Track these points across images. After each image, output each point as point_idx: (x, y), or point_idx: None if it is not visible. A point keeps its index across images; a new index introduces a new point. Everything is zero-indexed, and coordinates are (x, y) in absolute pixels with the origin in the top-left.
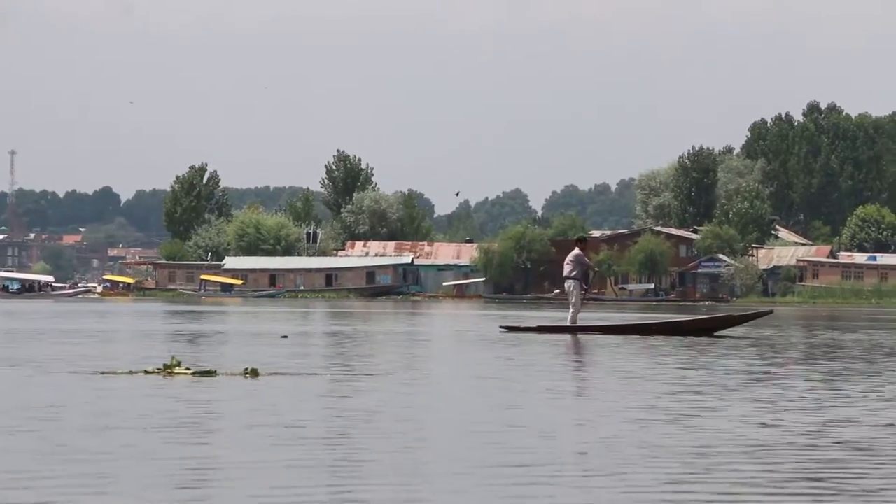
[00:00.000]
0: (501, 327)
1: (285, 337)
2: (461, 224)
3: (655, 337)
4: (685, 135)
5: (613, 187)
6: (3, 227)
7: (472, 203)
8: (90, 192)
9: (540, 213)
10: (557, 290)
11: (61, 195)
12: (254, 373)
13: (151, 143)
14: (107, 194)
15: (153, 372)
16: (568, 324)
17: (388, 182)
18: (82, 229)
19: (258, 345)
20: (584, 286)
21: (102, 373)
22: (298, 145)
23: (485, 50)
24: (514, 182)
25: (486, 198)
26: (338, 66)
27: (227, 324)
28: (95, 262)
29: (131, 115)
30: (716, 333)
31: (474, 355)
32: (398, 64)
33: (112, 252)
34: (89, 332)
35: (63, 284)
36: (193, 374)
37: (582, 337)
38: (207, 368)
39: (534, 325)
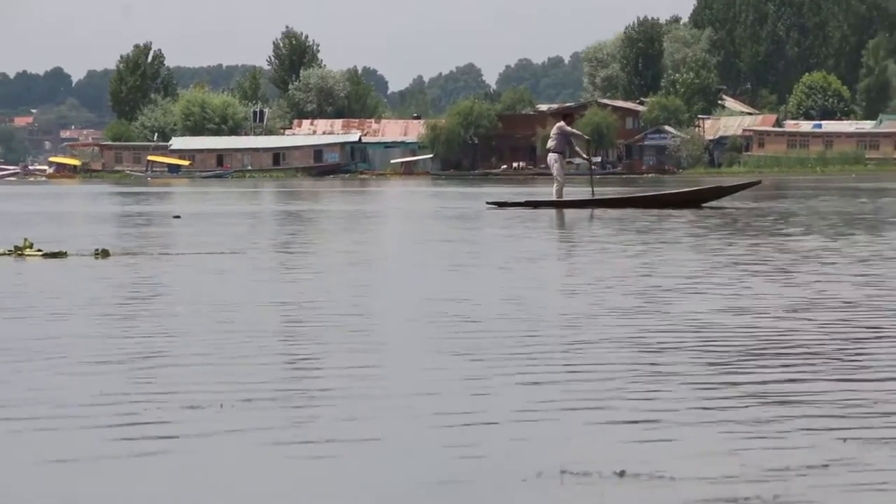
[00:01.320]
0: (489, 204)
1: (178, 217)
2: (413, 100)
3: (645, 210)
4: (635, 6)
5: (567, 60)
6: None
7: (426, 79)
8: (41, 72)
9: (494, 87)
10: (505, 166)
11: (11, 76)
12: (104, 253)
13: (102, 23)
14: (58, 75)
15: (4, 253)
16: (553, 198)
17: (342, 59)
18: (34, 110)
19: (148, 226)
20: (571, 159)
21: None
22: (251, 22)
23: None
24: (468, 57)
25: (440, 73)
26: None
27: (149, 205)
28: (48, 144)
29: None
30: (704, 205)
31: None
32: None
33: (65, 133)
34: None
35: (14, 167)
36: (44, 255)
37: (569, 212)
38: (58, 250)
39: (521, 200)
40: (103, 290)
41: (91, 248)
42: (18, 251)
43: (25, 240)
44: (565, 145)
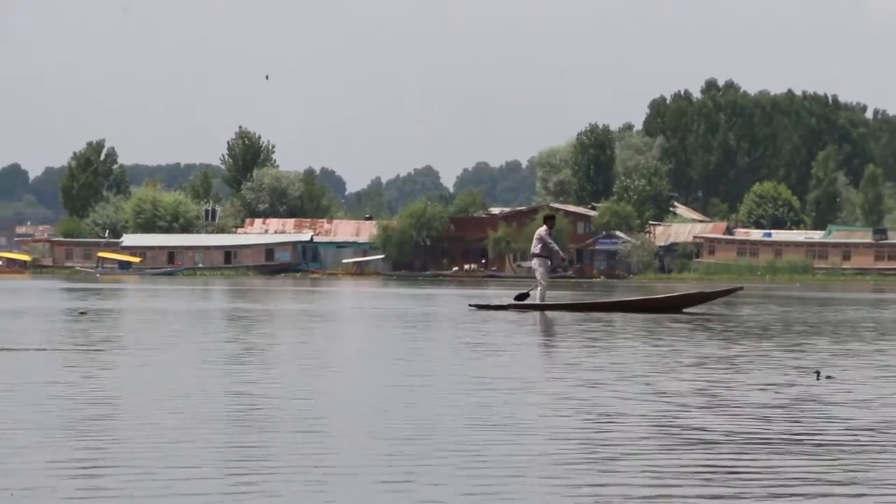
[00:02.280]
0: (470, 305)
1: (84, 313)
2: (370, 201)
3: (627, 314)
4: (588, 113)
5: (524, 164)
6: None
7: (384, 180)
8: None
9: (451, 189)
10: (456, 268)
11: None
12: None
13: (61, 119)
14: (15, 171)
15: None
16: (537, 301)
17: (299, 159)
18: None
19: (52, 321)
20: (552, 263)
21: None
22: (209, 122)
23: (396, 26)
24: (427, 160)
25: (398, 175)
26: (248, 42)
27: (72, 301)
28: (3, 241)
29: (40, 90)
30: (685, 310)
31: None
32: (314, 41)
33: (20, 229)
34: None
35: None
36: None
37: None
38: None
39: (504, 303)
40: None
41: None
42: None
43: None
44: (547, 250)
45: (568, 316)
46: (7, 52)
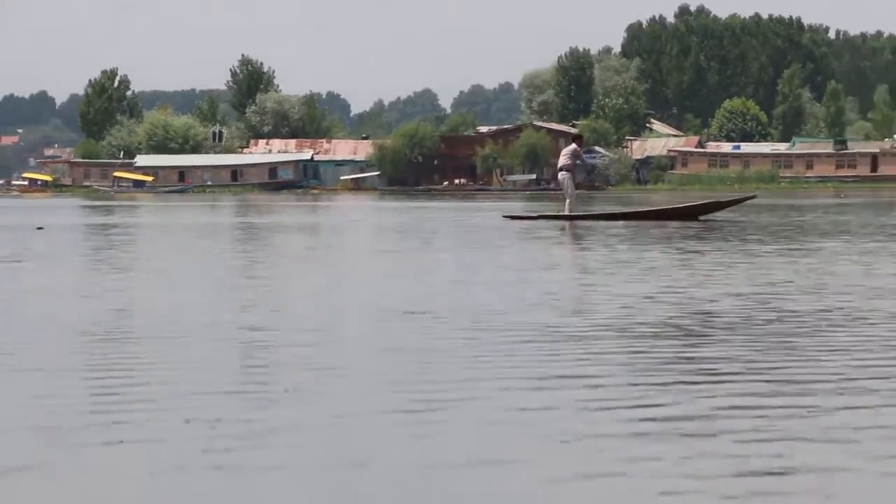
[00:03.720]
0: (504, 216)
1: (41, 228)
2: (371, 122)
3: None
4: (570, 38)
5: (517, 86)
6: None
7: (386, 102)
8: (27, 95)
9: (448, 111)
10: (447, 182)
11: None
12: None
13: (86, 48)
14: (43, 98)
15: None
16: (566, 212)
17: (306, 83)
18: (20, 130)
19: (8, 235)
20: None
21: None
22: (222, 49)
23: None
24: (426, 82)
25: (399, 97)
26: None
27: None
28: (32, 161)
29: (65, 20)
30: (701, 217)
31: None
32: None
33: (48, 151)
34: None
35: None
36: None
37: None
38: None
39: (535, 214)
40: None
41: None
42: None
43: None
44: (574, 165)
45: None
46: None
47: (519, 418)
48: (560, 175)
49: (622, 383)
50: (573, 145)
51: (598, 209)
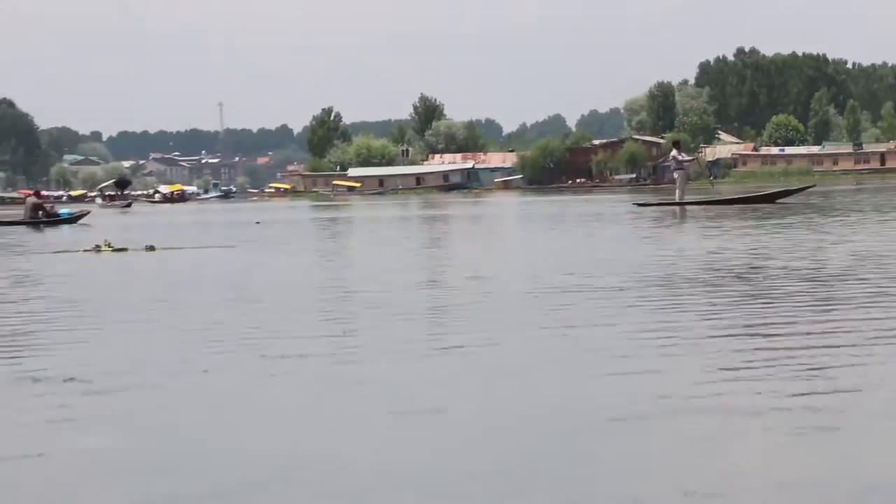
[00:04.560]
0: (635, 204)
1: (258, 223)
2: (517, 139)
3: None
4: (658, 73)
5: (621, 110)
6: (219, 154)
7: (528, 124)
8: (273, 128)
9: (573, 129)
10: (570, 181)
11: (254, 130)
12: (151, 248)
13: (312, 92)
14: (284, 129)
15: (90, 250)
16: (677, 200)
17: (469, 111)
18: (270, 153)
19: (236, 227)
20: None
21: (86, 250)
22: (411, 87)
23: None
24: (557, 109)
25: (537, 120)
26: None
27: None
28: (278, 175)
29: (298, 71)
30: (777, 201)
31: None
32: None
33: (289, 167)
34: (174, 222)
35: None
36: (113, 250)
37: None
38: (121, 246)
39: (656, 201)
40: (127, 275)
41: (142, 244)
42: (98, 249)
43: (105, 241)
44: (680, 164)
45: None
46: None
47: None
48: (675, 173)
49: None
50: (674, 150)
51: (696, 197)
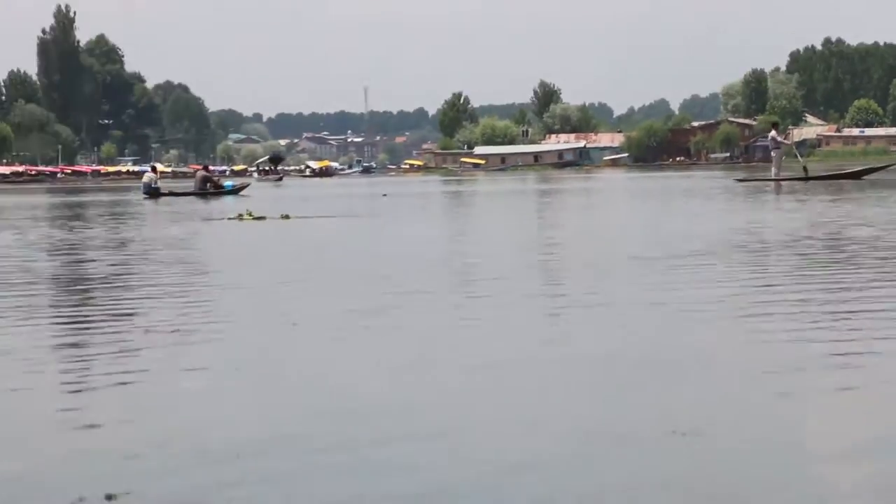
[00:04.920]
0: (735, 180)
1: (385, 195)
2: (626, 121)
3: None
4: (753, 60)
5: (719, 94)
6: (363, 133)
7: (636, 107)
8: (410, 110)
9: (677, 112)
10: (671, 160)
11: (394, 112)
12: (286, 217)
13: (443, 78)
14: (420, 111)
15: (234, 218)
16: (773, 176)
17: (583, 94)
18: (407, 133)
19: (367, 199)
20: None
21: (230, 218)
22: (532, 72)
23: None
24: (662, 93)
25: (644, 104)
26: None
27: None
28: (413, 153)
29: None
30: (863, 177)
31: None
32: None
33: (425, 145)
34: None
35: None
36: (254, 218)
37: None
38: (260, 215)
39: (753, 177)
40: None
41: (277, 213)
42: (240, 217)
43: (247, 210)
44: (777, 144)
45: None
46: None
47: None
48: (772, 152)
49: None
50: (772, 132)
51: (790, 174)
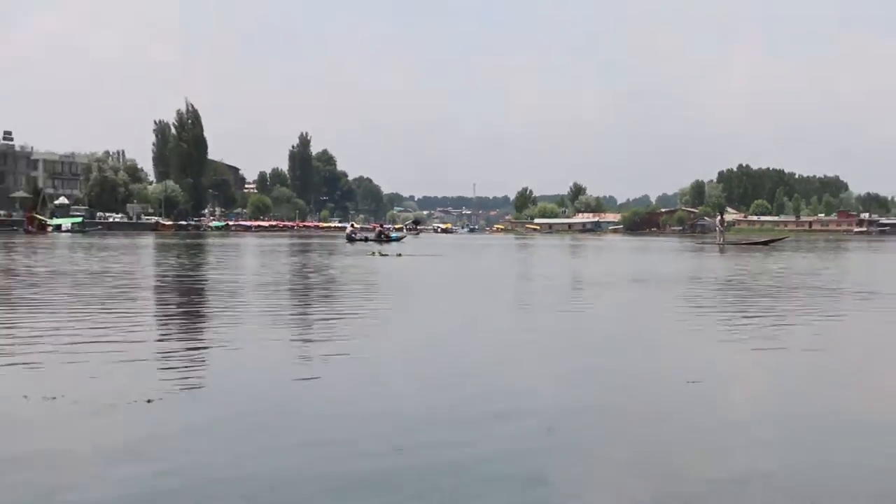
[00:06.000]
0: (699, 243)
1: (399, 255)
2: (625, 207)
3: None
4: (695, 173)
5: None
6: (471, 209)
7: (630, 199)
8: (500, 195)
9: (654, 202)
10: (647, 230)
11: (490, 197)
12: (399, 255)
13: (511, 176)
14: (505, 197)
15: (369, 255)
16: (717, 242)
17: (600, 189)
18: (497, 209)
19: (460, 247)
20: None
21: (370, 254)
22: (567, 178)
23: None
24: (645, 190)
25: (635, 197)
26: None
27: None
28: (499, 221)
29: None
30: (769, 244)
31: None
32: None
33: (506, 217)
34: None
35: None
36: (380, 255)
37: None
38: (385, 253)
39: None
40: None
41: (397, 253)
42: (373, 254)
43: (378, 250)
44: (722, 224)
45: None
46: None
47: None
48: (716, 227)
49: None
50: (719, 216)
51: (723, 241)
